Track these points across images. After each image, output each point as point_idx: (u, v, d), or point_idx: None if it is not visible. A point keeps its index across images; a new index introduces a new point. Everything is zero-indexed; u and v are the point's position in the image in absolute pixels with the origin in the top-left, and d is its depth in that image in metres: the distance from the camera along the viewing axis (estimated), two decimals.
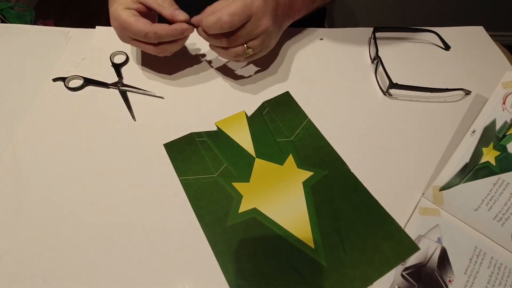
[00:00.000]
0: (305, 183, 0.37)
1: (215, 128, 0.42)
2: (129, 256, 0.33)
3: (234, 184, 0.38)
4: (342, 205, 0.36)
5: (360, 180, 0.38)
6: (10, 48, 0.50)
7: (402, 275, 0.32)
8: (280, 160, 0.39)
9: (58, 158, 0.39)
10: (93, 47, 0.50)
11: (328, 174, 0.38)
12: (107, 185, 0.37)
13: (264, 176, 0.38)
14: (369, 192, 0.37)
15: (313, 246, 0.34)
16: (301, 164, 0.39)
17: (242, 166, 0.39)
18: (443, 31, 0.53)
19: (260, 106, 0.44)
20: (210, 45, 0.41)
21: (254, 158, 0.39)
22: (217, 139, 0.41)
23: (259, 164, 0.39)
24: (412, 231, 0.34)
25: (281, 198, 0.36)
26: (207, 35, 0.38)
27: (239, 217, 0.35)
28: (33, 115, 0.42)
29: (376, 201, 0.36)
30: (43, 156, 0.39)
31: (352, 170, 0.38)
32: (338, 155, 0.39)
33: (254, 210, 0.36)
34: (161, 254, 0.33)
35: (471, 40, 0.53)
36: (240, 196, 0.37)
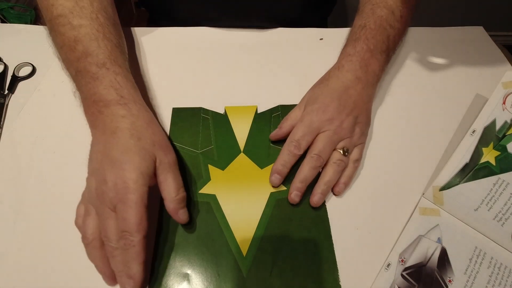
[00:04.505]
0: (272, 195, 0.36)
1: (223, 111, 0.43)
2: None
3: (210, 166, 0.38)
4: (296, 230, 0.34)
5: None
6: (10, 48, 0.50)
7: (402, 275, 0.32)
8: (262, 163, 0.39)
9: (58, 157, 0.39)
10: None
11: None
12: None
13: (239, 172, 0.38)
14: (329, 231, 0.34)
15: (244, 254, 0.33)
16: None
17: (225, 154, 0.39)
18: (443, 31, 0.53)
19: (273, 107, 0.44)
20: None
21: (239, 152, 0.40)
22: (219, 122, 0.42)
23: (241, 159, 0.39)
24: (412, 231, 0.34)
25: (242, 198, 0.36)
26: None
27: (196, 196, 0.36)
28: (29, 114, 0.42)
29: (332, 243, 0.33)
30: (43, 156, 0.39)
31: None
32: None
33: (213, 197, 0.36)
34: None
35: (471, 40, 0.53)
36: (208, 179, 0.37)
